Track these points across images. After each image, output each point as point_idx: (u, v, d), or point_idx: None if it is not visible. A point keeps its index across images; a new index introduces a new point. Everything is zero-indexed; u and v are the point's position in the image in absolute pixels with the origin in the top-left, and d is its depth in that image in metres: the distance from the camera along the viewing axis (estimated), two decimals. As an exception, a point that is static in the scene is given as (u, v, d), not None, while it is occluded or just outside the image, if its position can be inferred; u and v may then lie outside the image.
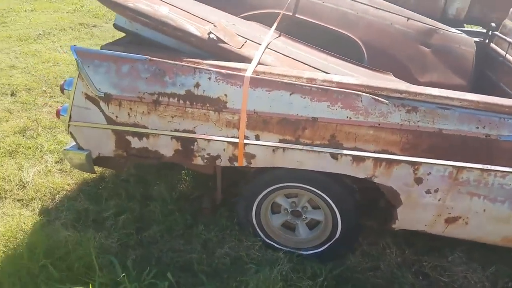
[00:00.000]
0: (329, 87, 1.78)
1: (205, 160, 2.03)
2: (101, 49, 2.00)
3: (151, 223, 2.26)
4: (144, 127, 1.99)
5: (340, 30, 2.58)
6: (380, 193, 2.00)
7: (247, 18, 2.58)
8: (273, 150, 1.91)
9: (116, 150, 2.10)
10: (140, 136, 2.02)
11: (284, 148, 1.89)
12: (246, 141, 1.90)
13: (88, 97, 1.96)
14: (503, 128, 1.71)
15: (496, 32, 2.74)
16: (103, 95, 1.93)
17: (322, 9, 2.68)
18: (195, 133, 1.95)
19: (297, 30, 2.58)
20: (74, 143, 2.18)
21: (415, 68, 2.50)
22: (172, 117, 1.94)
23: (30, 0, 7.63)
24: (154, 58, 1.87)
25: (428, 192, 1.86)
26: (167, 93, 1.89)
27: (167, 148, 2.04)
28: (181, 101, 1.89)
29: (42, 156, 2.87)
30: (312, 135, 1.83)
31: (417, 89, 1.79)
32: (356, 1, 2.73)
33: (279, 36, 2.36)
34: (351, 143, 1.82)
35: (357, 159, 1.84)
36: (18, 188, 2.52)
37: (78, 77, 1.92)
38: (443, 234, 2.00)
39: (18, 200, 2.42)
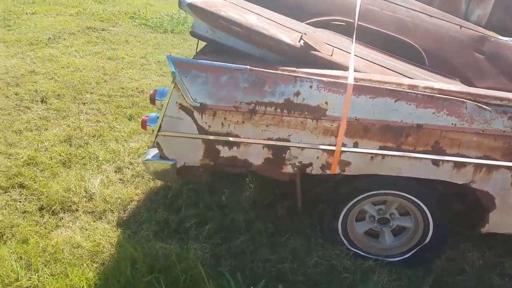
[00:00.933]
0: (434, 94, 1.80)
1: (295, 169, 2.02)
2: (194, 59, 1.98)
3: (235, 233, 2.23)
4: (237, 136, 1.97)
5: (401, 37, 2.61)
6: (461, 198, 2.02)
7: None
8: (371, 158, 1.91)
9: (203, 160, 2.08)
10: (231, 145, 2.01)
11: (383, 155, 1.90)
12: (343, 148, 1.91)
13: (182, 107, 1.94)
14: None
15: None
16: (198, 105, 1.91)
17: (381, 16, 2.71)
18: (289, 141, 1.94)
19: (357, 37, 2.61)
20: (151, 153, 2.17)
21: (473, 74, 2.53)
22: (267, 125, 1.93)
23: (28, 2, 7.56)
24: (255, 68, 1.86)
25: (524, 195, 1.89)
26: (264, 102, 1.88)
27: (257, 157, 2.02)
28: (278, 110, 1.88)
29: (99, 166, 2.83)
30: (415, 142, 1.84)
31: (517, 96, 1.81)
32: (411, 9, 2.78)
33: (354, 43, 2.37)
34: (454, 149, 1.83)
35: (459, 165, 1.85)
36: (86, 200, 2.47)
37: (174, 87, 1.90)
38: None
39: (90, 213, 2.38)
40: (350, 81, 1.83)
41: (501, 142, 1.80)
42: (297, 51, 1.98)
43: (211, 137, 1.99)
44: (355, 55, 2.10)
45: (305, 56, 1.98)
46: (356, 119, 1.84)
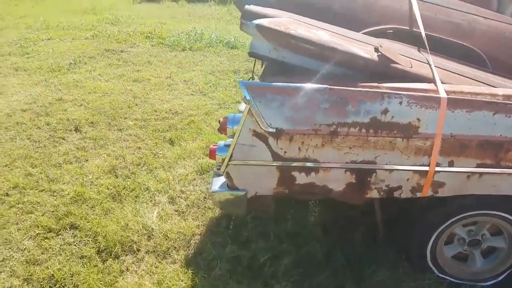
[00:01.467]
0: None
1: (382, 193, 1.86)
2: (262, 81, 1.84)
3: (314, 267, 2.05)
4: (316, 161, 1.82)
5: (460, 42, 2.46)
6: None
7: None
8: (468, 177, 1.75)
9: (277, 188, 1.92)
10: (308, 171, 1.85)
11: (480, 173, 1.73)
12: (437, 168, 1.74)
13: (256, 134, 1.79)
14: None
15: None
16: (274, 131, 1.76)
17: (435, 21, 2.57)
18: (376, 163, 1.78)
19: (411, 44, 2.47)
20: (217, 183, 2.02)
21: None
22: (350, 148, 1.77)
23: (41, 28, 7.54)
24: (335, 87, 1.71)
25: None
26: (347, 123, 1.72)
27: (337, 182, 1.86)
28: (363, 130, 1.72)
29: (151, 197, 2.68)
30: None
31: None
32: (465, 12, 2.64)
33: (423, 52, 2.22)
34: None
35: None
36: (146, 238, 2.31)
37: (248, 113, 1.75)
38: None
39: (153, 252, 2.21)
40: (443, 94, 1.67)
41: None
42: (375, 64, 1.82)
43: (287, 163, 1.84)
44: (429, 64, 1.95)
45: (383, 69, 1.82)
46: (451, 136, 1.68)
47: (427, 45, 2.07)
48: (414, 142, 1.71)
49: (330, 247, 2.16)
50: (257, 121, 1.75)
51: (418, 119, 1.68)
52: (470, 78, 1.96)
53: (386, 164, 1.77)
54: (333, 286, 1.96)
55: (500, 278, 2.02)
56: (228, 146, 1.91)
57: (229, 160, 1.86)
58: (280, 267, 2.03)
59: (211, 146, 1.98)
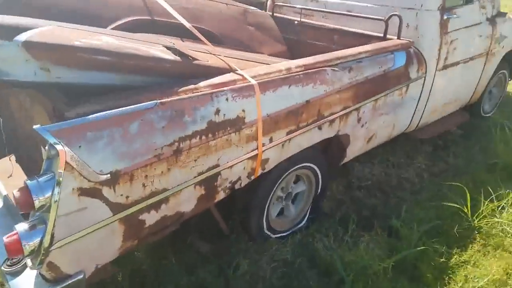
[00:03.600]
0: (308, 70, 1.98)
1: (227, 191, 1.80)
2: (67, 118, 1.26)
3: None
4: (164, 190, 1.51)
5: (200, 26, 2.55)
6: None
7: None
8: (282, 145, 1.95)
9: (123, 245, 1.49)
10: (157, 205, 1.53)
11: (289, 139, 1.97)
12: (263, 148, 1.84)
13: (83, 191, 1.26)
14: (387, 63, 2.50)
15: (278, 3, 3.50)
16: (108, 177, 1.30)
17: (175, 9, 2.54)
18: (219, 165, 1.68)
19: (154, 32, 2.38)
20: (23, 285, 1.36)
21: (257, 45, 2.88)
22: (195, 160, 1.57)
23: None
24: (166, 100, 1.42)
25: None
26: (189, 135, 1.51)
27: (189, 201, 1.65)
28: (203, 137, 1.56)
29: None
30: (307, 117, 1.99)
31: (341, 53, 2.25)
32: None
33: (183, 41, 2.15)
34: (328, 111, 2.11)
35: (332, 122, 2.16)
36: None
37: (65, 168, 1.18)
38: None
39: None
40: (253, 81, 1.73)
41: (350, 91, 2.24)
42: (180, 65, 1.64)
43: (134, 209, 1.43)
44: (213, 53, 1.95)
45: (189, 69, 1.67)
46: (268, 116, 1.80)
47: (203, 37, 2.01)
48: (244, 132, 1.72)
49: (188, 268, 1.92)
50: (81, 175, 1.24)
51: (243, 110, 1.69)
52: (250, 61, 2.11)
53: (227, 162, 1.71)
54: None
55: (307, 217, 2.47)
56: (35, 226, 1.27)
57: (50, 245, 1.24)
58: None
59: (4, 238, 1.23)
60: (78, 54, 1.33)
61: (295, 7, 3.30)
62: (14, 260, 1.41)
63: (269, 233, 2.24)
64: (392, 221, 2.36)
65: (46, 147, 1.19)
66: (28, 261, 1.35)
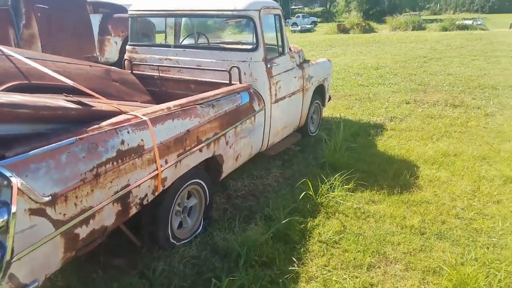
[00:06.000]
0: (184, 108, 2.64)
1: (137, 206, 2.28)
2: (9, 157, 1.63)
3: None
4: (91, 207, 1.94)
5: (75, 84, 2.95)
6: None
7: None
8: (175, 165, 2.53)
9: (64, 256, 1.86)
10: (87, 221, 1.94)
11: (180, 160, 2.56)
12: (162, 168, 2.39)
13: (32, 211, 1.64)
14: (237, 100, 3.33)
15: (135, 62, 4.13)
16: (50, 198, 1.71)
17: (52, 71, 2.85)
18: (130, 185, 2.17)
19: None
20: None
21: (126, 97, 3.44)
22: (111, 182, 2.05)
23: None
24: (82, 136, 1.89)
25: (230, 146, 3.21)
26: (103, 162, 1.99)
27: (110, 216, 2.09)
28: (115, 163, 2.06)
29: None
30: (190, 142, 2.63)
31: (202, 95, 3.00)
32: (56, 61, 3.10)
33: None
34: (205, 136, 2.81)
35: (208, 145, 2.87)
36: None
37: (18, 194, 1.56)
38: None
39: None
40: (145, 118, 2.31)
41: (217, 121, 2.97)
42: (82, 112, 2.12)
43: (70, 224, 1.83)
44: (102, 101, 2.47)
45: (89, 114, 2.16)
46: (161, 143, 2.38)
47: (91, 91, 2.51)
48: (145, 157, 2.27)
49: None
50: (30, 198, 1.63)
51: (142, 140, 2.24)
52: (130, 106, 2.67)
53: (136, 181, 2.21)
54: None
55: (202, 224, 3.03)
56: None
57: (11, 258, 1.58)
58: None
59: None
60: (3, 109, 1.73)
61: (152, 65, 3.97)
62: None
63: (174, 241, 2.73)
64: (265, 211, 3.12)
65: (-1, 180, 1.55)
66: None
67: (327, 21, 43.79)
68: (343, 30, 27.20)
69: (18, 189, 1.57)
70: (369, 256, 2.68)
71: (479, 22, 25.86)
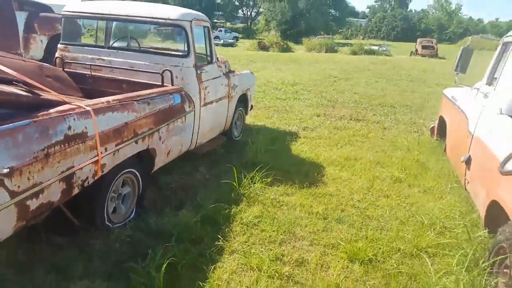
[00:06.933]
0: (126, 102, 2.93)
1: (79, 187, 2.51)
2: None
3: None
4: (41, 183, 2.16)
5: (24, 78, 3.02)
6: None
7: None
8: (113, 154, 2.80)
9: (16, 224, 2.06)
10: (37, 194, 2.15)
11: (118, 149, 2.83)
12: (102, 155, 2.65)
13: (-9, 180, 1.84)
14: (170, 100, 3.68)
15: (67, 60, 4.26)
16: (8, 170, 1.92)
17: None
18: (74, 166, 2.41)
19: None
20: None
21: (58, 92, 3.59)
22: (59, 162, 2.28)
23: None
24: (36, 119, 2.12)
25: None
26: (53, 143, 2.22)
27: (56, 193, 2.31)
28: (62, 146, 2.29)
29: None
30: (128, 133, 2.92)
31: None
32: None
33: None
34: (141, 129, 3.11)
35: (144, 138, 3.17)
36: None
37: (-19, 164, 1.77)
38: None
39: None
40: (88, 108, 2.57)
41: (151, 117, 3.29)
42: (31, 99, 2.33)
43: (23, 196, 2.04)
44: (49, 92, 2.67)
45: (38, 102, 2.37)
46: (102, 132, 2.65)
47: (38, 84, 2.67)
48: (88, 143, 2.52)
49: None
50: (-11, 168, 1.84)
51: (86, 127, 2.50)
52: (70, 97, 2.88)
53: (79, 164, 2.45)
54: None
55: (134, 211, 3.29)
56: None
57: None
58: None
59: None
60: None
61: (84, 64, 4.13)
62: None
63: (109, 224, 2.97)
64: (194, 201, 3.51)
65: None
66: None
67: (248, 37, 45.28)
68: (263, 47, 28.30)
69: (-19, 160, 1.77)
70: (281, 235, 3.21)
71: (384, 48, 29.01)
